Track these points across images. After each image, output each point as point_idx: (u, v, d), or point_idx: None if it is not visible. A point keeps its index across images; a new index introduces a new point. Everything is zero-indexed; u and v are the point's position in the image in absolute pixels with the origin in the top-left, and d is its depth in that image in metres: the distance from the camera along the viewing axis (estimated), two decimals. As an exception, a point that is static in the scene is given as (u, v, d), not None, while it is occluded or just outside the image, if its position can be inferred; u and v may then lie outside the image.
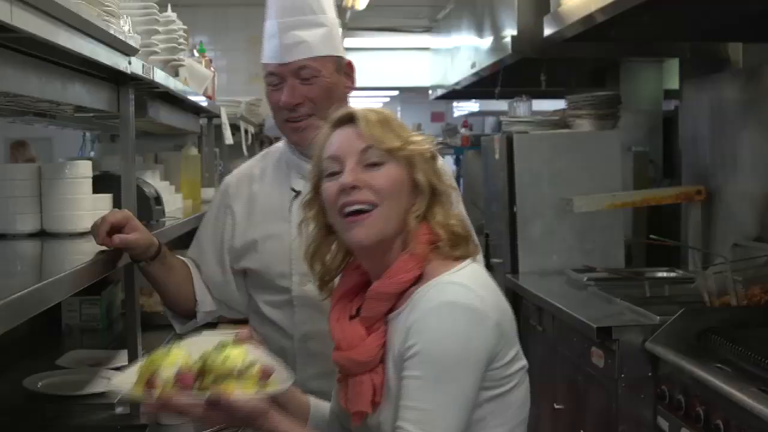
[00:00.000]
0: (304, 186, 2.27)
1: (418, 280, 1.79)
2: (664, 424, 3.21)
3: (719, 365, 2.89)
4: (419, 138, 1.85)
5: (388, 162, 1.80)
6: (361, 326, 1.80)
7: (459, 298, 1.73)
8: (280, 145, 2.45)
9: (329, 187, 1.82)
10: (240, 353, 1.70)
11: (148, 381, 1.66)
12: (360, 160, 1.79)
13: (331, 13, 2.32)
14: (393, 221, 1.79)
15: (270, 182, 2.39)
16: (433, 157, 1.87)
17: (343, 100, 2.30)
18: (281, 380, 1.72)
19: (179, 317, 2.47)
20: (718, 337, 3.07)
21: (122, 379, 1.76)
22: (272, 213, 2.34)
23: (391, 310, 1.81)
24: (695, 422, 2.91)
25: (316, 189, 1.89)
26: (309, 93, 2.23)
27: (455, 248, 1.83)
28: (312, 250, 1.93)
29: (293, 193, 2.32)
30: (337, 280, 1.94)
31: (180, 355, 1.69)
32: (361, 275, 1.89)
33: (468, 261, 1.84)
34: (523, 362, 1.84)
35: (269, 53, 2.28)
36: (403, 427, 1.68)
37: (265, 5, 2.33)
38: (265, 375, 1.69)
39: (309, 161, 2.27)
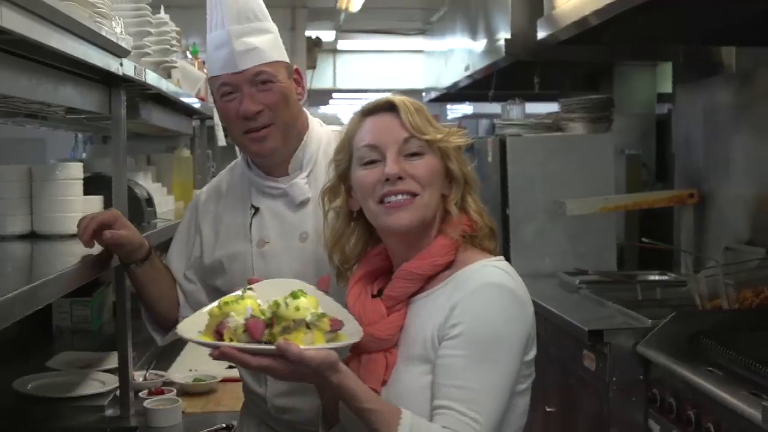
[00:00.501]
0: (263, 203, 2.26)
1: (450, 266, 1.82)
2: (655, 427, 3.21)
3: (710, 368, 2.89)
4: (454, 130, 1.87)
5: (427, 152, 1.81)
6: (382, 305, 1.82)
7: (504, 282, 1.77)
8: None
9: (367, 175, 1.82)
10: (311, 302, 1.68)
11: (218, 327, 1.65)
12: (401, 150, 1.80)
13: (271, 21, 2.26)
14: (432, 208, 1.82)
15: (234, 199, 2.34)
16: (461, 148, 1.89)
17: (298, 107, 2.26)
18: (351, 333, 1.71)
19: (160, 329, 2.43)
20: (709, 340, 3.08)
21: (190, 323, 1.74)
22: (235, 232, 2.29)
23: (415, 293, 1.83)
24: (686, 426, 2.92)
25: (342, 177, 1.89)
26: (266, 99, 2.16)
27: (491, 240, 1.87)
28: (333, 240, 1.93)
29: (253, 210, 2.28)
30: (354, 268, 1.95)
31: (251, 302, 1.68)
32: (382, 261, 1.91)
33: (501, 257, 1.87)
34: (533, 369, 1.85)
35: (220, 64, 2.18)
36: (449, 406, 1.67)
37: (207, 19, 2.25)
38: (335, 327, 1.68)
39: (265, 177, 2.26)
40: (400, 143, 1.80)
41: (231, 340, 1.63)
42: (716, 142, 4.43)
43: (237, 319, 1.64)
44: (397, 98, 1.84)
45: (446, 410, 1.67)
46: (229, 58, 2.16)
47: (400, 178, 1.78)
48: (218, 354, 1.61)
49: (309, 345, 1.62)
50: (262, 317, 1.65)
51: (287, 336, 1.62)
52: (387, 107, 1.84)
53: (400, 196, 1.79)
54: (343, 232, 1.92)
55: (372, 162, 1.82)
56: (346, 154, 1.88)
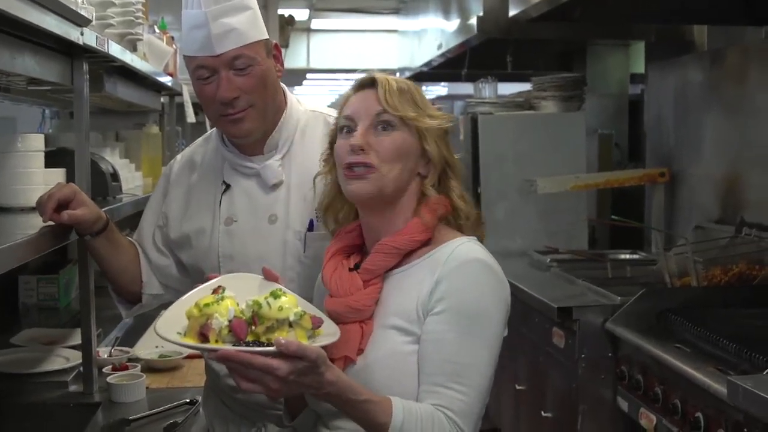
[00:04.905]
0: (235, 180, 2.23)
1: (428, 243, 1.85)
2: (623, 404, 3.22)
3: (678, 345, 2.90)
4: (436, 113, 1.89)
5: (400, 128, 1.84)
6: (359, 278, 1.85)
7: (487, 259, 1.82)
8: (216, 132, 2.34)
9: (341, 145, 1.86)
10: (292, 301, 1.70)
11: (202, 329, 1.65)
12: (372, 123, 1.84)
13: None
14: (392, 183, 1.83)
15: (206, 172, 2.29)
16: (446, 132, 1.91)
17: (277, 85, 2.22)
18: (329, 329, 1.73)
19: (125, 301, 2.40)
20: (677, 317, 3.08)
21: (167, 324, 1.71)
22: (205, 206, 2.26)
23: (392, 268, 1.85)
24: (654, 402, 2.92)
25: (332, 145, 1.92)
26: (244, 85, 2.11)
27: (477, 229, 1.90)
28: (325, 204, 1.97)
29: (224, 186, 2.24)
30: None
31: (231, 302, 1.68)
32: (355, 238, 1.94)
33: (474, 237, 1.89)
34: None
35: (197, 45, 2.10)
36: (437, 382, 1.71)
37: None
38: (316, 324, 1.71)
39: (239, 156, 2.22)
40: (373, 116, 1.83)
41: (216, 341, 1.63)
42: (687, 121, 4.44)
43: (221, 320, 1.64)
44: (381, 75, 1.89)
45: (434, 387, 1.72)
46: (206, 41, 2.09)
47: (362, 149, 1.81)
48: (217, 357, 1.61)
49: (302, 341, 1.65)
50: (243, 317, 1.66)
51: (270, 335, 1.64)
52: (370, 83, 1.88)
53: (360, 166, 1.82)
54: (334, 198, 1.95)
55: (348, 132, 1.86)
56: (336, 124, 1.93)
